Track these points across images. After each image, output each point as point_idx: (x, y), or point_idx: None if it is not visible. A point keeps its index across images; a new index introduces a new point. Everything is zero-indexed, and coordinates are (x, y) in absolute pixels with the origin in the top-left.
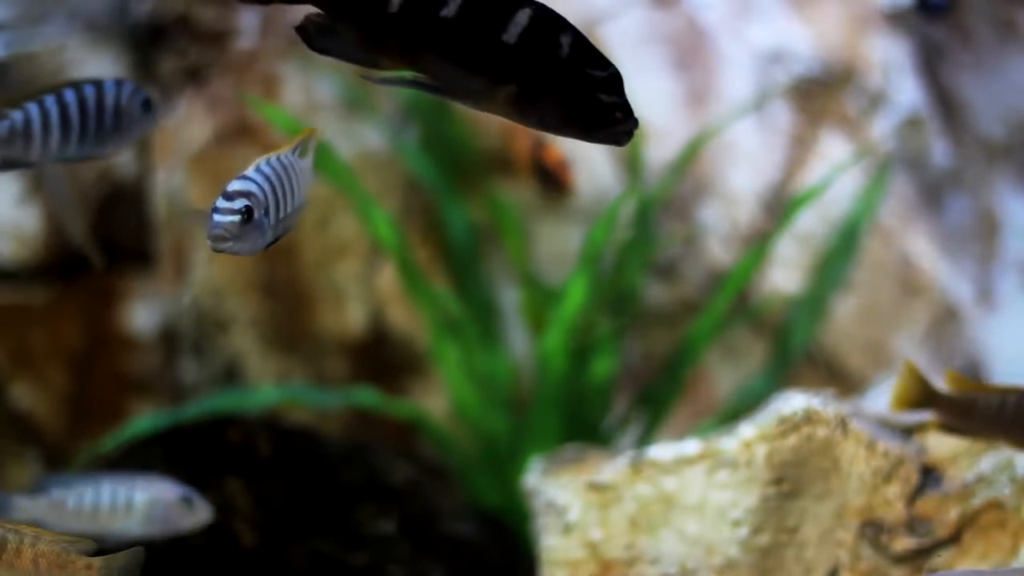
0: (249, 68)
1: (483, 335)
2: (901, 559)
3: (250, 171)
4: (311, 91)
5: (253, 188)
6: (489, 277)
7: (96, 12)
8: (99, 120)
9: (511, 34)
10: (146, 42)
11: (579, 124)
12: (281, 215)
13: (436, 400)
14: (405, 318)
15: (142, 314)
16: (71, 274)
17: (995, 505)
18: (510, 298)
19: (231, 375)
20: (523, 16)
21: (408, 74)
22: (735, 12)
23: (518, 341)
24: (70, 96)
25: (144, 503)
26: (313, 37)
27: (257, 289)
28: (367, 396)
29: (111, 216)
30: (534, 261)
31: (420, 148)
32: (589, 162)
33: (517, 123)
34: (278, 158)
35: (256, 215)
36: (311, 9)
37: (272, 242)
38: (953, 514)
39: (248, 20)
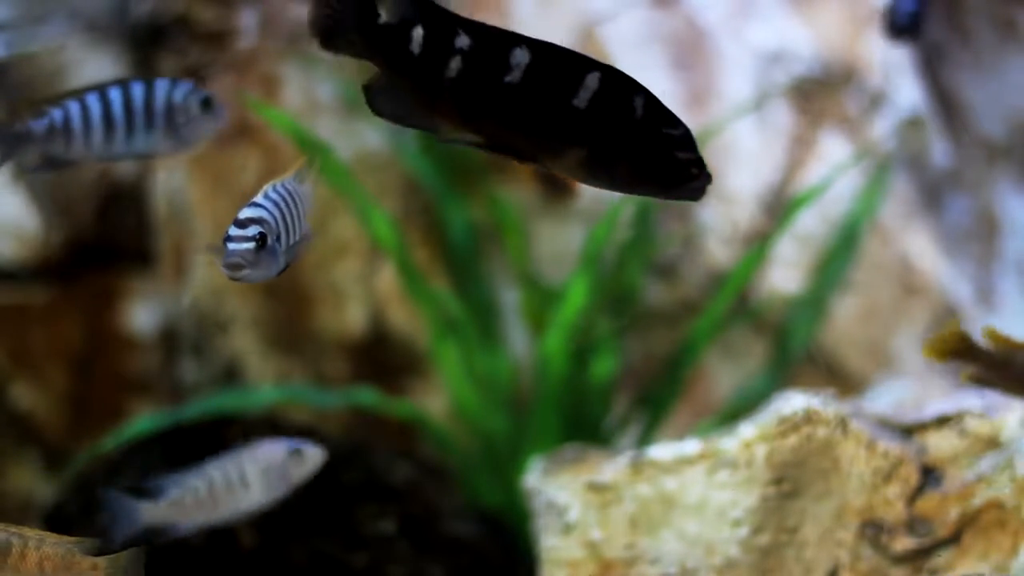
0: (249, 68)
1: (483, 335)
2: (901, 559)
3: (259, 198)
4: (311, 91)
5: (264, 215)
6: (489, 277)
7: (96, 12)
8: (148, 119)
9: (582, 98)
10: (146, 42)
11: (656, 183)
12: (290, 241)
13: (436, 400)
14: (405, 318)
15: (142, 314)
16: (71, 274)
17: (995, 505)
18: (510, 298)
19: (231, 375)
20: (593, 80)
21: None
22: (735, 12)
23: (518, 341)
24: (114, 94)
25: (258, 473)
26: (375, 98)
27: (257, 289)
28: (367, 396)
29: (111, 216)
30: (534, 261)
31: (420, 148)
32: None
33: (584, 183)
34: (283, 184)
35: (269, 241)
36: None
37: (283, 269)
38: (953, 514)
39: (248, 20)
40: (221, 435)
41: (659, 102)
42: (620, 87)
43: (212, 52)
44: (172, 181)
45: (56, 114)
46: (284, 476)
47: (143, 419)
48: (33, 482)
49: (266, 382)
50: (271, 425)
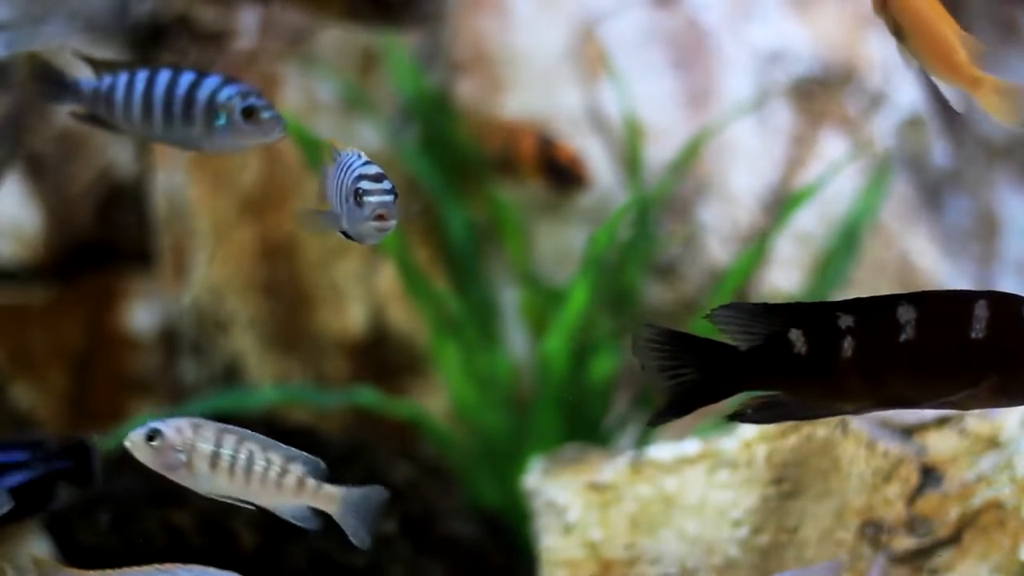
0: (249, 68)
1: (483, 335)
2: (901, 559)
3: (364, 158)
4: (311, 91)
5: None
6: (489, 277)
7: (96, 12)
8: (187, 111)
9: (978, 330)
10: (146, 42)
11: None
12: None
13: (436, 400)
14: (405, 318)
15: (142, 314)
16: (71, 274)
17: (995, 505)
18: (510, 298)
19: (231, 375)
20: (982, 309)
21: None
22: (735, 12)
23: (518, 341)
24: (163, 76)
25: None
26: (755, 416)
27: (257, 289)
28: (367, 396)
29: (111, 216)
30: (534, 261)
31: (420, 148)
32: (588, 162)
33: (1002, 407)
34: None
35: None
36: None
37: None
38: (953, 514)
39: (248, 20)
40: None
41: None
42: (1007, 305)
43: (212, 52)
44: (172, 181)
45: (107, 80)
46: None
47: (143, 419)
48: None
49: (266, 382)
50: (271, 425)
